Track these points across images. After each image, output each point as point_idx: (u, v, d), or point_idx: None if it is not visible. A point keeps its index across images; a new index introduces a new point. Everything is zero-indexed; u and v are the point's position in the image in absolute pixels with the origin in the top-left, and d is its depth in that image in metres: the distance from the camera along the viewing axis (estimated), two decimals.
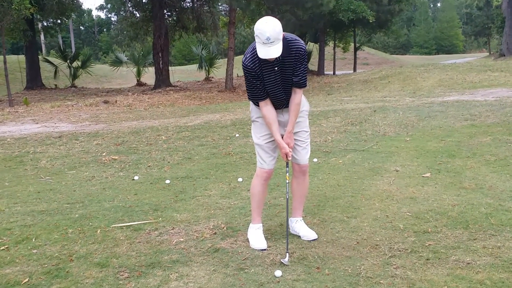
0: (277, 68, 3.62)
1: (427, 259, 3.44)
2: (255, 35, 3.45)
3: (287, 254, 3.57)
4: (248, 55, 3.62)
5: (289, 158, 3.79)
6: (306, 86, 3.77)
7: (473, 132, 7.99)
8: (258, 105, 3.78)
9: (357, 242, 3.82)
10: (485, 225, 4.00)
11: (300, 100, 3.77)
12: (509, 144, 6.94)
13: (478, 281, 3.07)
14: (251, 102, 3.89)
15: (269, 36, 3.35)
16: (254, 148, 3.96)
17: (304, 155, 3.97)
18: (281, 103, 3.78)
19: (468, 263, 3.33)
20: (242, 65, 3.66)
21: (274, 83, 3.66)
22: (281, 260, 3.52)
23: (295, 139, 3.89)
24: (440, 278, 3.14)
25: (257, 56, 3.52)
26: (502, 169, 5.67)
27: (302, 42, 3.68)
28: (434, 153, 6.75)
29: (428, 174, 5.67)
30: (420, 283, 3.09)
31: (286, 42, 3.55)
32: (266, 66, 3.60)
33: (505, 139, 7.28)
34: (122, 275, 3.42)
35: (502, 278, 3.08)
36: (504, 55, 33.84)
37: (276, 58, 3.51)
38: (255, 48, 3.53)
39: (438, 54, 72.95)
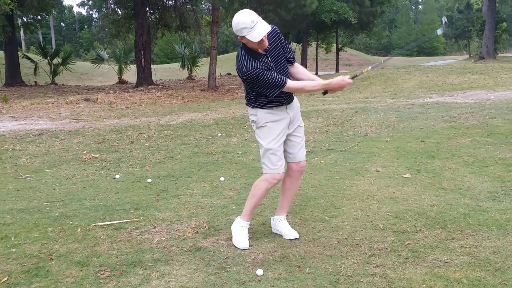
0: (270, 58, 3.67)
1: (406, 258, 3.49)
2: (241, 28, 3.48)
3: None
4: (244, 62, 3.60)
5: (351, 82, 3.73)
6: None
7: (452, 134, 8.11)
8: (270, 104, 3.74)
9: (338, 241, 3.86)
10: (463, 225, 4.07)
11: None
12: (487, 145, 7.06)
13: (456, 279, 3.12)
14: (255, 110, 3.82)
15: (251, 18, 3.47)
16: (260, 153, 3.89)
17: (303, 152, 4.00)
18: (286, 96, 3.78)
19: (446, 262, 3.39)
20: (249, 74, 3.58)
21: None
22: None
23: (294, 135, 3.92)
24: (419, 277, 3.19)
25: (251, 57, 3.58)
26: (480, 170, 5.77)
27: (274, 26, 3.80)
28: (414, 154, 6.84)
29: (408, 175, 5.74)
30: (399, 281, 3.14)
31: None
32: (262, 61, 3.62)
33: (484, 140, 7.40)
34: (103, 274, 3.41)
35: (479, 277, 3.14)
36: (484, 58, 34.40)
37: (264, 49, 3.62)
38: (245, 54, 3.60)
39: (419, 56, 73.67)
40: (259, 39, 3.48)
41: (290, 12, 21.41)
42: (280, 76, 3.63)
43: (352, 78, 3.79)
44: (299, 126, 3.96)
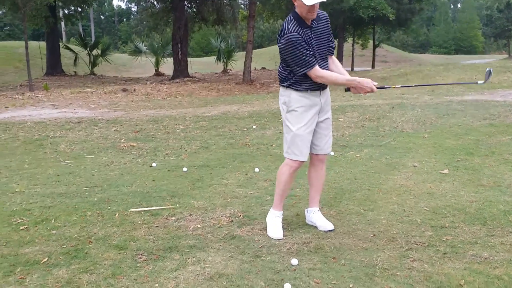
0: (313, 35, 3.69)
1: (444, 253, 3.43)
2: None
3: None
4: (289, 26, 3.63)
5: (374, 90, 3.67)
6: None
7: (492, 131, 7.92)
8: (302, 86, 3.74)
9: (374, 235, 3.83)
10: (503, 222, 3.98)
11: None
12: None
13: (496, 276, 3.06)
14: (288, 91, 3.81)
15: None
16: (286, 138, 3.86)
17: (328, 143, 3.98)
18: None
19: (485, 258, 3.32)
20: (287, 38, 3.60)
21: (314, 50, 3.70)
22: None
23: (322, 126, 3.89)
24: (457, 272, 3.13)
25: (298, 24, 3.62)
26: None
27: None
28: (452, 150, 6.71)
29: (446, 171, 5.64)
30: (437, 276, 3.09)
31: None
32: (305, 32, 3.64)
33: None
34: (140, 257, 3.47)
35: None
36: None
37: (311, 23, 3.66)
38: (292, 18, 3.64)
39: (457, 54, 72.23)
40: (310, 3, 3.47)
41: (328, 7, 21.24)
42: (312, 57, 3.63)
43: (378, 88, 3.74)
44: (328, 118, 3.93)
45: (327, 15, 3.83)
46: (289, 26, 3.63)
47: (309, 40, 3.66)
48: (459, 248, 3.52)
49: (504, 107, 10.46)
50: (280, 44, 3.68)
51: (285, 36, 3.61)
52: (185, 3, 26.15)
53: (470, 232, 3.82)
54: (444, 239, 3.69)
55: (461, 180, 5.27)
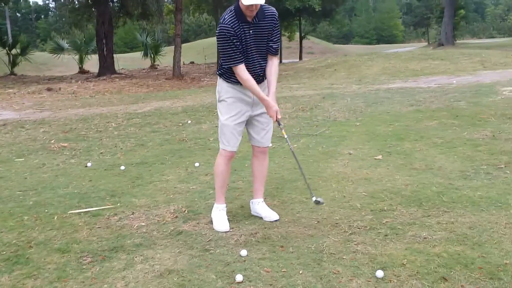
0: (252, 32, 3.66)
1: (386, 235, 3.57)
2: None
3: (313, 196, 3.82)
4: (226, 16, 3.64)
5: (279, 117, 3.74)
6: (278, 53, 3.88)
7: (419, 117, 8.28)
8: (228, 78, 3.76)
9: (318, 221, 3.92)
10: (438, 203, 4.18)
11: (277, 66, 3.85)
12: (454, 127, 7.24)
13: (436, 254, 3.21)
14: (219, 81, 3.86)
15: None
16: (219, 128, 3.93)
17: (266, 137, 4.03)
18: (256, 73, 3.77)
19: (424, 238, 3.48)
20: (220, 27, 3.62)
21: (249, 48, 3.68)
22: (315, 199, 3.78)
23: (257, 119, 3.93)
24: (399, 252, 3.27)
25: (235, 16, 3.60)
26: (449, 151, 5.92)
27: (274, 9, 3.78)
28: (383, 136, 6.96)
29: (380, 157, 5.85)
30: (381, 257, 3.21)
31: (260, 8, 3.63)
32: (243, 28, 3.63)
33: (450, 123, 7.59)
34: (85, 259, 3.38)
35: (458, 251, 3.24)
36: (443, 45, 35.11)
37: (252, 20, 3.62)
38: (233, 9, 3.61)
39: (378, 44, 74.68)
40: (247, 3, 3.47)
41: None
42: (239, 54, 3.64)
43: (278, 123, 3.79)
44: (264, 112, 3.89)
45: (274, 13, 3.75)
46: (225, 17, 3.64)
47: (243, 36, 3.65)
48: (399, 229, 3.67)
49: (429, 93, 10.97)
50: (216, 32, 3.70)
51: (219, 26, 3.65)
52: None
53: (408, 214, 3.99)
54: (384, 221, 3.83)
55: (394, 164, 5.49)
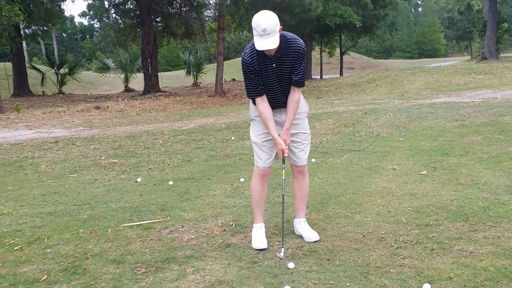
0: (275, 65, 3.69)
1: (432, 249, 3.60)
2: (252, 28, 3.50)
3: (283, 249, 3.69)
4: (247, 50, 3.71)
5: (285, 155, 3.84)
6: (304, 85, 3.85)
7: (464, 132, 8.22)
8: (255, 103, 3.86)
9: (363, 236, 3.98)
10: (484, 218, 4.18)
11: (298, 98, 3.81)
12: (500, 142, 7.16)
13: (482, 268, 3.23)
14: (250, 102, 3.99)
15: (265, 27, 3.41)
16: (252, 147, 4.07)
17: (301, 156, 4.02)
18: (279, 102, 3.86)
19: (471, 252, 3.50)
20: (242, 60, 3.74)
21: (271, 80, 3.74)
22: (277, 254, 3.67)
23: (293, 140, 3.94)
24: (446, 266, 3.30)
25: (256, 51, 3.62)
26: (495, 166, 5.88)
27: (302, 41, 3.74)
28: (428, 152, 6.95)
29: (424, 172, 5.85)
30: (428, 271, 3.25)
31: (285, 40, 3.63)
32: (265, 62, 3.67)
33: (495, 137, 7.51)
34: (139, 270, 3.53)
35: (505, 265, 3.25)
36: (486, 58, 34.46)
37: (275, 54, 3.61)
38: (253, 44, 3.61)
39: (420, 58, 73.79)
40: (260, 49, 3.50)
41: (295, 17, 21.53)
42: (257, 89, 3.73)
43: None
44: (295, 133, 3.94)
45: (299, 46, 3.66)
46: (247, 52, 3.70)
47: (264, 69, 3.70)
48: (445, 244, 3.69)
49: (473, 108, 10.83)
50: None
51: (242, 56, 3.75)
52: (153, 17, 26.19)
53: (454, 228, 4.00)
54: (430, 236, 3.86)
55: (439, 180, 5.49)
